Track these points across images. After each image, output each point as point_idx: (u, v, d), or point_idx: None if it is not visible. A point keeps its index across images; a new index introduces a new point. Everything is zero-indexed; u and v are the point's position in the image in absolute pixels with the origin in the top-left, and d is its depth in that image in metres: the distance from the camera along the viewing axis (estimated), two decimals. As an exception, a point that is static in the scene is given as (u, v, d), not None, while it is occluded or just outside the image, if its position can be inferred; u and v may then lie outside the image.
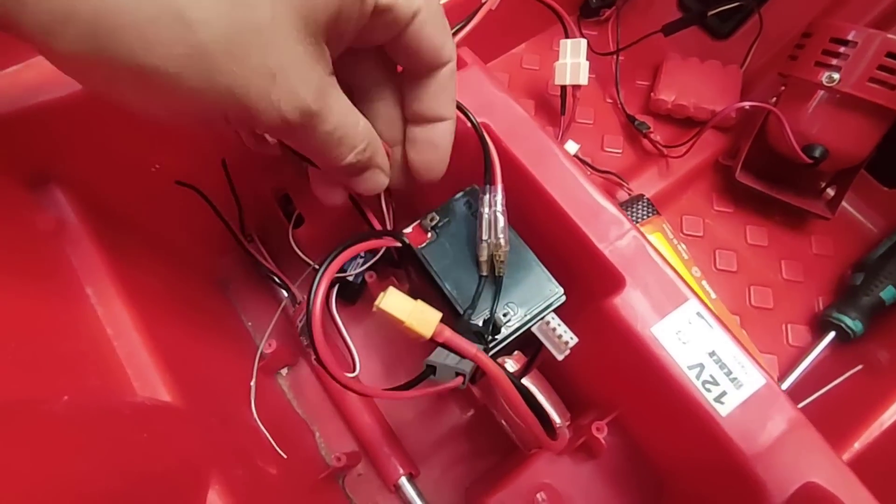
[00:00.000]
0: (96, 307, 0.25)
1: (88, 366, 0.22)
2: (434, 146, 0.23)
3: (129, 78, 0.15)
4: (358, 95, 0.23)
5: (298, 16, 0.16)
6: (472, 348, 0.18)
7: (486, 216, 0.26)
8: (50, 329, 0.21)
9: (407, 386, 0.22)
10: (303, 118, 0.17)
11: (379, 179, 0.23)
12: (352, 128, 0.20)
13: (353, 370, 0.29)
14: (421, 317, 0.18)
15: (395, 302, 0.18)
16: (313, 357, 0.25)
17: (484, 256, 0.26)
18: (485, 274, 0.27)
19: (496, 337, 0.25)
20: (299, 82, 0.16)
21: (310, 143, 0.19)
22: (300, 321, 0.38)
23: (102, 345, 0.24)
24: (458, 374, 0.20)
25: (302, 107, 0.17)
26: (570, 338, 0.21)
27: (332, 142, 0.19)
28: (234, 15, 0.14)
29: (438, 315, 0.18)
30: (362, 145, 0.20)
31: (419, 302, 0.18)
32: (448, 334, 0.18)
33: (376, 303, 0.18)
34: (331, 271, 0.20)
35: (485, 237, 0.26)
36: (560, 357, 0.21)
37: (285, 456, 0.30)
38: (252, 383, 0.34)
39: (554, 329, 0.21)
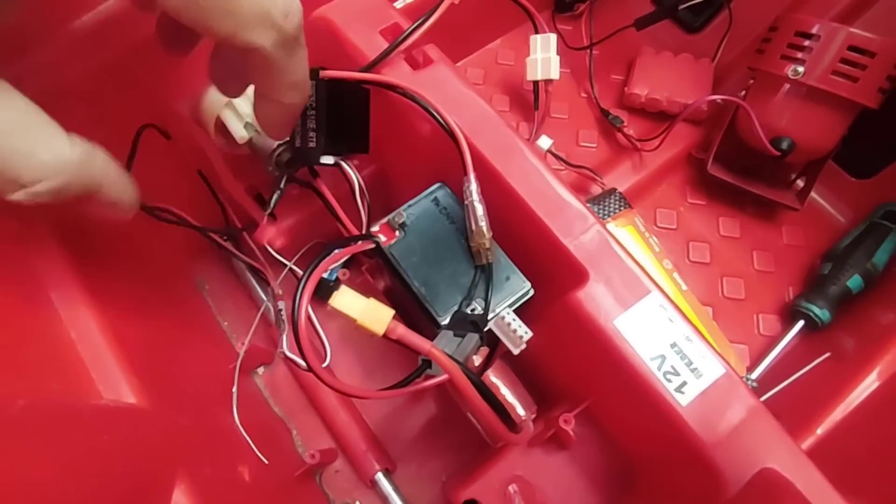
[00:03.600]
0: (60, 311, 0.25)
1: (49, 370, 0.22)
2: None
3: None
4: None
5: None
6: (425, 344, 0.19)
7: (466, 206, 0.27)
8: (8, 334, 0.21)
9: (403, 383, 0.23)
10: None
11: (109, 213, 0.19)
12: (15, 150, 0.15)
13: (324, 362, 0.29)
14: (374, 315, 0.18)
15: (347, 300, 0.18)
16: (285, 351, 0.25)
17: (474, 246, 0.27)
18: (481, 263, 0.27)
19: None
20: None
21: None
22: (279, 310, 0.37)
23: (65, 348, 0.24)
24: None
25: None
26: (525, 332, 0.21)
27: None
28: None
29: (391, 312, 0.18)
30: (44, 185, 0.16)
31: (371, 300, 0.18)
32: (401, 331, 0.18)
33: (329, 301, 0.18)
34: (310, 285, 0.20)
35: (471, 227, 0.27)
36: (516, 351, 0.21)
37: (266, 461, 0.30)
38: (234, 389, 0.34)
39: (509, 324, 0.22)
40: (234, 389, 0.34)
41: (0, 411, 0.17)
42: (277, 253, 0.37)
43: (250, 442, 0.32)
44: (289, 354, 0.37)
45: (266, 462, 0.32)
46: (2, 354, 0.20)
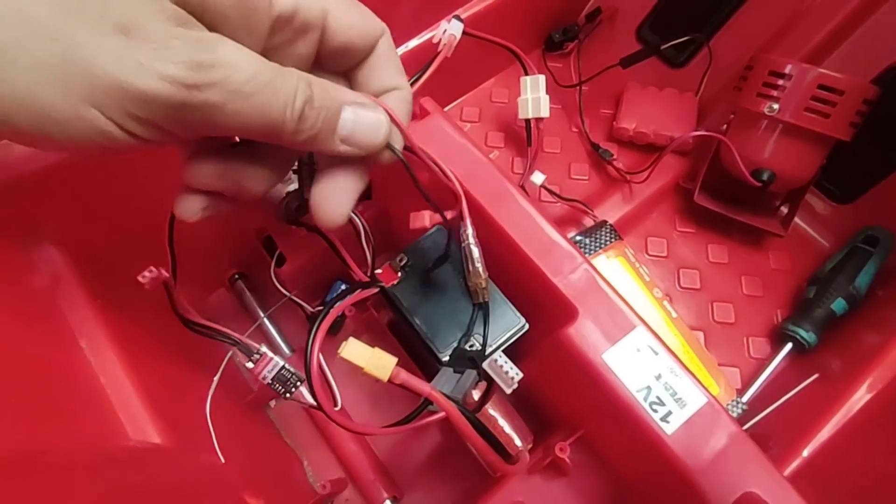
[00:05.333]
0: (90, 358, 0.27)
1: (83, 414, 0.24)
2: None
3: None
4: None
5: None
6: (425, 388, 0.21)
7: (463, 249, 0.29)
8: (47, 383, 0.23)
9: (406, 420, 0.24)
10: (201, 74, 0.14)
11: (370, 115, 0.19)
12: (275, 69, 0.15)
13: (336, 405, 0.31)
14: (378, 363, 0.20)
15: (354, 351, 0.20)
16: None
17: (471, 286, 0.29)
18: (478, 302, 0.29)
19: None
20: (168, 36, 0.13)
21: (241, 108, 0.15)
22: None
23: (96, 393, 0.26)
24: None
25: (189, 60, 0.13)
26: (516, 373, 0.23)
27: (264, 93, 0.15)
28: None
29: (394, 360, 0.20)
30: (302, 83, 0.16)
31: (376, 349, 0.20)
32: (404, 376, 0.20)
33: (339, 351, 0.20)
34: (320, 336, 0.22)
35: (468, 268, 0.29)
36: (508, 391, 0.23)
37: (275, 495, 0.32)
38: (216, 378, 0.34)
39: (501, 366, 0.23)
40: (216, 378, 0.34)
41: (46, 458, 0.19)
42: (285, 290, 0.40)
43: (213, 437, 0.31)
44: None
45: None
46: (42, 401, 0.22)
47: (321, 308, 0.39)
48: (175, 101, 0.14)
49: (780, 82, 0.40)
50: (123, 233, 0.33)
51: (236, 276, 0.44)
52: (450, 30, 0.37)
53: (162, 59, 0.13)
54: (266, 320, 0.43)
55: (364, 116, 0.18)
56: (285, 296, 0.40)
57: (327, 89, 0.18)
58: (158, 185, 0.33)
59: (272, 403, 0.42)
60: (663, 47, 0.51)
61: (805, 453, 0.34)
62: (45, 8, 0.13)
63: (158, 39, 0.13)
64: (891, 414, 0.36)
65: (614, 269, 0.44)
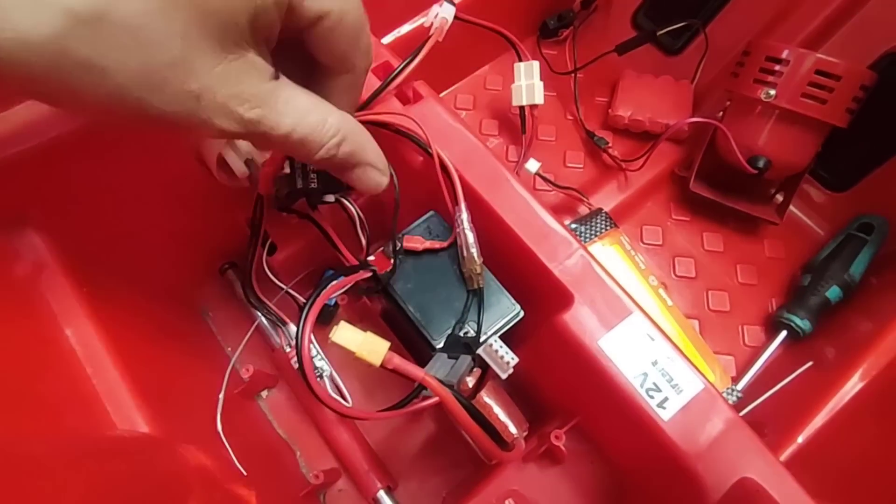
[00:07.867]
0: (75, 347, 0.26)
1: (68, 404, 0.23)
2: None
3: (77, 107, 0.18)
4: (321, 71, 0.23)
5: (212, 39, 0.17)
6: (419, 373, 0.20)
7: (458, 234, 0.29)
8: (31, 372, 0.23)
9: (401, 404, 0.24)
10: (247, 127, 0.18)
11: (372, 177, 0.22)
12: (316, 126, 0.19)
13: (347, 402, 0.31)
14: (370, 347, 0.19)
15: (345, 335, 0.19)
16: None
17: (466, 272, 0.28)
18: (472, 288, 0.29)
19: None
20: (228, 97, 0.18)
21: (271, 145, 0.19)
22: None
23: (82, 383, 0.25)
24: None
25: (238, 118, 0.18)
26: (511, 358, 0.23)
27: (292, 143, 0.19)
28: (144, 55, 0.16)
29: (387, 344, 0.20)
30: (333, 140, 0.20)
31: (368, 333, 0.20)
32: (397, 361, 0.20)
33: (330, 336, 0.20)
34: (312, 317, 0.21)
35: (462, 254, 0.28)
36: (504, 376, 0.23)
37: (245, 473, 0.31)
38: (218, 411, 0.35)
39: (496, 350, 0.23)
40: (219, 410, 0.34)
41: (26, 447, 0.19)
42: (280, 282, 0.39)
43: (233, 456, 0.32)
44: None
45: (245, 473, 0.33)
46: (24, 392, 0.22)
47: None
48: (240, 133, 0.18)
49: (777, 68, 0.40)
50: (109, 220, 0.33)
51: (226, 266, 0.43)
52: (441, 13, 0.36)
53: (222, 117, 0.18)
54: (261, 313, 0.43)
55: (368, 175, 0.22)
56: (276, 285, 0.39)
57: (357, 146, 0.21)
58: (145, 170, 0.33)
59: (264, 394, 0.41)
60: (659, 34, 0.51)
61: (800, 440, 0.34)
62: (137, 83, 0.17)
63: (220, 101, 0.18)
64: (884, 401, 0.36)
65: (610, 257, 0.44)
